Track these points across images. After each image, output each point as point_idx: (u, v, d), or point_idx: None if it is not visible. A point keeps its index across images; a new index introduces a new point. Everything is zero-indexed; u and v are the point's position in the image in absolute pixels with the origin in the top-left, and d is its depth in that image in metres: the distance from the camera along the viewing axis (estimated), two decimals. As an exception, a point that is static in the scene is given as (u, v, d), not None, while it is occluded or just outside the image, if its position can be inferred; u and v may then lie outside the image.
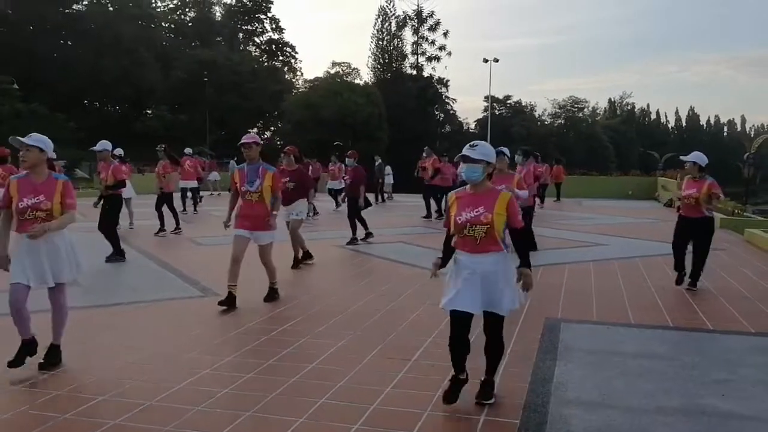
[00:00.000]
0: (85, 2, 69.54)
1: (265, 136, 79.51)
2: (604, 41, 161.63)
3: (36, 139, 4.57)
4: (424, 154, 18.38)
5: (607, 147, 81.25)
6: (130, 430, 3.67)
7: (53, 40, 64.57)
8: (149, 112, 68.55)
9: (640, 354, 5.19)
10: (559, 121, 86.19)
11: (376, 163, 23.48)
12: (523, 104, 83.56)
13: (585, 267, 9.33)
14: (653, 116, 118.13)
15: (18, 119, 46.04)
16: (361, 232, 11.80)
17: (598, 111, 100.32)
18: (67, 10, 67.44)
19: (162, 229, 13.09)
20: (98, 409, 3.94)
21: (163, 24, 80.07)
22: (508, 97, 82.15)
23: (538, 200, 18.35)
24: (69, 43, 66.79)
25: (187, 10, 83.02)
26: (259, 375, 4.58)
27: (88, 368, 4.73)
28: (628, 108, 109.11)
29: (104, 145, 10.32)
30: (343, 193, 12.33)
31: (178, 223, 13.44)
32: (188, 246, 11.66)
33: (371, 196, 12.13)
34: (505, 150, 8.08)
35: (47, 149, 4.60)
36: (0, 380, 4.44)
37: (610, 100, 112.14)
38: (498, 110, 78.56)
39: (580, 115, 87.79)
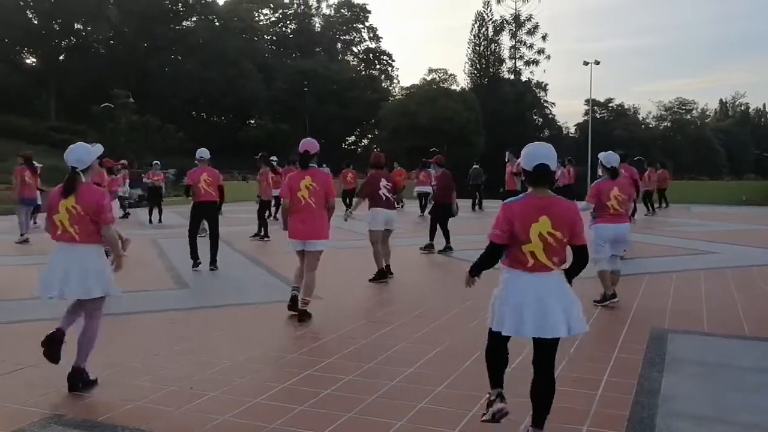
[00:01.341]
0: (194, 19, 73.14)
1: (363, 143, 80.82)
2: (713, 38, 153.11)
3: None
4: (506, 159, 18.08)
5: (718, 150, 77.13)
6: (237, 426, 3.83)
7: (164, 56, 68.33)
8: (252, 122, 71.07)
9: (758, 368, 4.91)
10: (665, 123, 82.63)
11: (473, 168, 22.99)
12: (626, 107, 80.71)
13: (694, 275, 8.91)
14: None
15: (133, 131, 48.98)
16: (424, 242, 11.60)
17: (707, 113, 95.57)
18: (177, 27, 71.19)
19: (262, 233, 13.64)
20: (208, 405, 4.13)
21: (265, 36, 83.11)
22: (609, 100, 79.58)
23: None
24: (179, 57, 70.43)
25: (288, 22, 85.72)
26: (359, 377, 4.66)
27: (198, 365, 4.95)
28: (742, 109, 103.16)
29: (197, 153, 10.16)
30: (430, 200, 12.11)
31: (265, 232, 13.81)
32: (290, 250, 11.99)
33: (462, 202, 11.89)
34: (601, 156, 7.32)
35: (66, 160, 4.54)
36: (109, 381, 4.72)
37: (721, 100, 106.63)
38: (599, 114, 76.25)
39: (688, 117, 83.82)
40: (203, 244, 9.81)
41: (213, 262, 9.69)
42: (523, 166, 3.53)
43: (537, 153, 3.50)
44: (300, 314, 6.47)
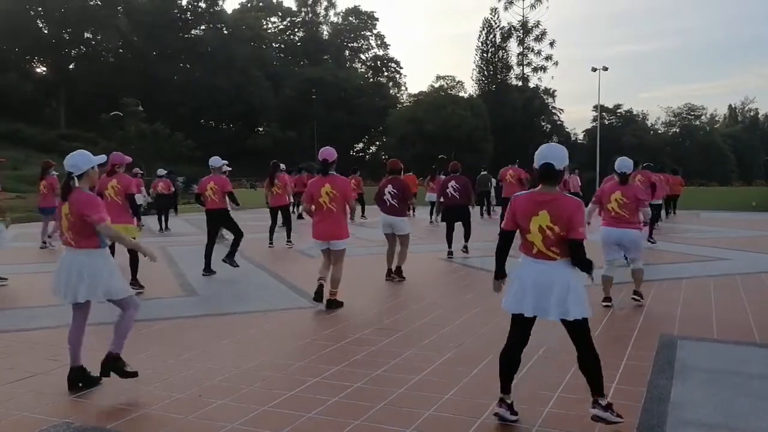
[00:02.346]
0: (202, 27, 73.59)
1: (371, 150, 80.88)
2: (722, 44, 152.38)
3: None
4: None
5: (728, 156, 76.76)
6: (246, 433, 3.83)
7: (173, 64, 68.76)
8: (260, 129, 71.24)
9: (767, 375, 4.87)
10: (674, 129, 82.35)
11: (481, 175, 22.71)
12: (635, 113, 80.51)
13: (704, 282, 8.85)
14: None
15: (142, 139, 49.26)
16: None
17: (717, 118, 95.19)
18: (186, 36, 71.59)
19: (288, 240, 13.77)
20: (216, 413, 4.14)
21: (273, 44, 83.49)
22: (618, 106, 79.42)
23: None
24: (187, 66, 70.85)
25: (296, 30, 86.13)
26: (367, 385, 4.66)
27: (206, 373, 4.97)
28: (751, 114, 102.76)
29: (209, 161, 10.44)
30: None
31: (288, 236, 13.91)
32: (298, 258, 12.03)
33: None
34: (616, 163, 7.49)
35: (64, 165, 4.68)
36: (117, 388, 4.73)
37: (730, 106, 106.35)
38: (608, 120, 76.07)
39: (697, 122, 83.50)
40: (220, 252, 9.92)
41: (228, 255, 9.88)
42: (534, 165, 3.90)
43: (542, 153, 3.87)
44: (329, 303, 7.25)
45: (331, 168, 7.28)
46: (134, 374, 4.63)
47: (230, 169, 13.58)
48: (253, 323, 6.83)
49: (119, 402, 4.37)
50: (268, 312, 7.33)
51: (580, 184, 22.32)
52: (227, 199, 9.87)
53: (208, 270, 9.86)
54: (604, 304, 7.22)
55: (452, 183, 11.39)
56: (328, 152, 7.30)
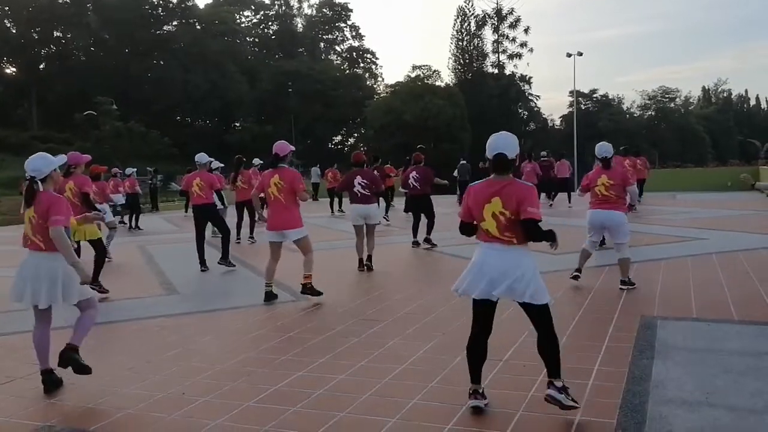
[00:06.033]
0: (174, 23, 72.71)
1: (349, 142, 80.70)
2: (694, 28, 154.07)
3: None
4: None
5: (703, 138, 77.59)
6: (231, 430, 3.81)
7: (146, 61, 67.89)
8: (237, 124, 70.71)
9: (745, 351, 4.94)
10: (649, 112, 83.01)
11: (460, 164, 22.88)
12: (610, 97, 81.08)
13: (682, 262, 8.95)
14: (752, 102, 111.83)
15: (118, 138, 48.67)
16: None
17: (691, 100, 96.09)
18: (158, 32, 70.71)
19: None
20: (200, 411, 4.11)
21: (247, 38, 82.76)
22: (593, 91, 79.96)
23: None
24: (161, 62, 70.00)
25: (269, 23, 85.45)
26: (351, 376, 4.66)
27: (189, 371, 4.94)
28: (724, 95, 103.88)
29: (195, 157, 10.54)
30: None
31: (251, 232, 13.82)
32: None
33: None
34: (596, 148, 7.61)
35: (25, 170, 4.66)
36: (100, 389, 4.69)
37: (703, 88, 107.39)
38: (584, 105, 76.51)
39: (672, 105, 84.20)
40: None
41: (223, 257, 9.95)
42: (487, 155, 3.96)
43: (495, 143, 3.95)
44: (303, 289, 7.36)
45: (283, 161, 7.43)
46: (87, 369, 4.57)
47: (222, 165, 13.41)
48: (236, 319, 6.80)
49: (101, 403, 4.33)
50: (250, 307, 7.29)
51: (570, 169, 22.30)
52: (215, 195, 9.88)
53: (204, 265, 9.89)
54: (573, 274, 7.42)
55: (413, 174, 11.54)
56: (280, 146, 7.47)
